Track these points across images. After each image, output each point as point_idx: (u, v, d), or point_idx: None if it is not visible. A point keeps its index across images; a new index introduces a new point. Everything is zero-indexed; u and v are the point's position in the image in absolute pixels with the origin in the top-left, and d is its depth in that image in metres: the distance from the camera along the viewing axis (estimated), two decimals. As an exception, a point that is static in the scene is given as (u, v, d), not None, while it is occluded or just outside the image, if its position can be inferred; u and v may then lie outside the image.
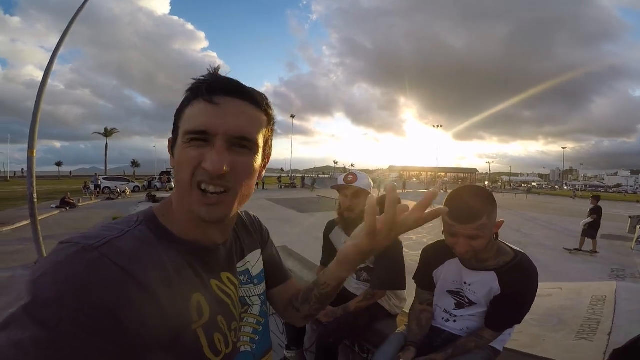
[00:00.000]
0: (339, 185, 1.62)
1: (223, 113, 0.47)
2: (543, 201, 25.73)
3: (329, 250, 1.83)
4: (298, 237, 7.50)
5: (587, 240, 7.36)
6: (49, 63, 6.77)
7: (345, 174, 1.64)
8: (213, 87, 0.47)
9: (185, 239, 0.51)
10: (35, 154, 6.21)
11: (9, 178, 49.59)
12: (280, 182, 32.45)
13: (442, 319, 1.28)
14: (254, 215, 0.77)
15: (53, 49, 6.71)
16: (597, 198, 7.96)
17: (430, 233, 8.94)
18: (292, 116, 48.45)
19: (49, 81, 6.57)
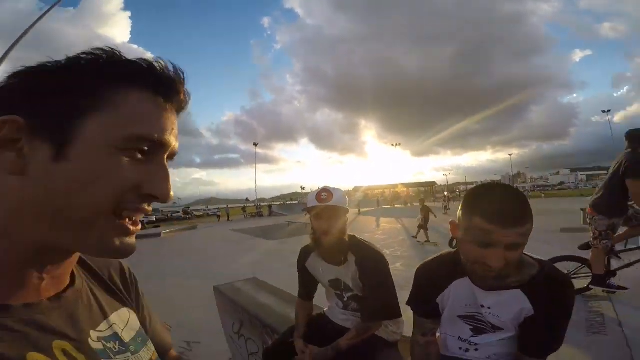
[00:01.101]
0: (313, 207, 1.36)
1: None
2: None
3: (306, 281, 1.58)
4: (268, 266, 6.89)
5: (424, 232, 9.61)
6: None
7: (318, 191, 1.39)
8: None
9: None
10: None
11: None
12: (245, 212, 31.32)
13: (460, 348, 1.07)
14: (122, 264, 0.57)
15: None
16: (422, 200, 10.95)
17: (403, 246, 8.85)
18: (255, 144, 48.13)
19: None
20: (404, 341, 1.53)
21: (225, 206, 31.90)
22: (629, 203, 2.79)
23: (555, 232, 8.69)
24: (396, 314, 1.34)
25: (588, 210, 3.05)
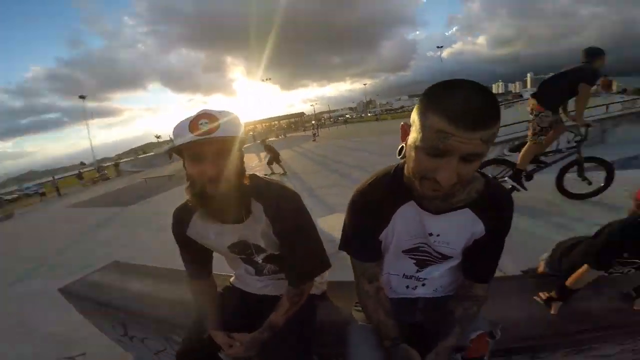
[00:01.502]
0: (186, 145, 0.84)
1: None
2: (360, 127, 31.10)
3: (194, 255, 1.12)
4: (131, 241, 5.51)
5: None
6: None
7: (191, 118, 0.85)
8: None
9: None
10: None
11: None
12: (82, 179, 24.49)
13: (407, 287, 1.00)
14: None
15: None
16: (264, 141, 11.46)
17: (290, 178, 8.68)
18: (82, 97, 36.43)
19: None
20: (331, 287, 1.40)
21: (52, 178, 23.62)
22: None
23: None
24: (327, 263, 1.09)
25: (536, 107, 3.12)
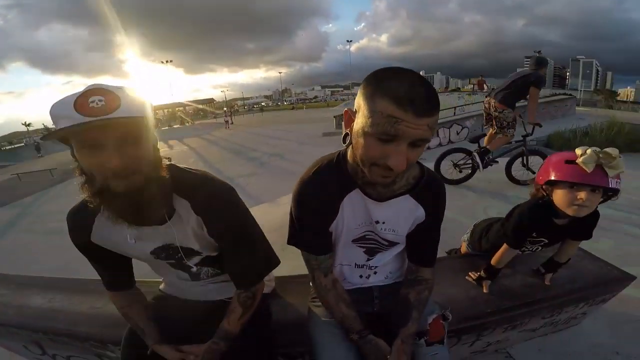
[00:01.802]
0: (79, 129, 0.61)
1: None
2: (277, 115, 30.74)
3: (106, 263, 0.91)
4: (8, 249, 4.59)
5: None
6: None
7: (79, 95, 0.63)
8: None
9: None
10: None
11: None
12: None
13: (360, 276, 1.00)
14: None
15: None
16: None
17: (209, 168, 8.22)
18: None
19: None
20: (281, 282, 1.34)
21: None
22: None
23: (319, 137, 11.75)
24: (276, 260, 0.98)
25: (498, 106, 3.55)
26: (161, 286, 1.12)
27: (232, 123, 22.90)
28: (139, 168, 0.68)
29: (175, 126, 27.49)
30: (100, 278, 0.94)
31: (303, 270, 0.97)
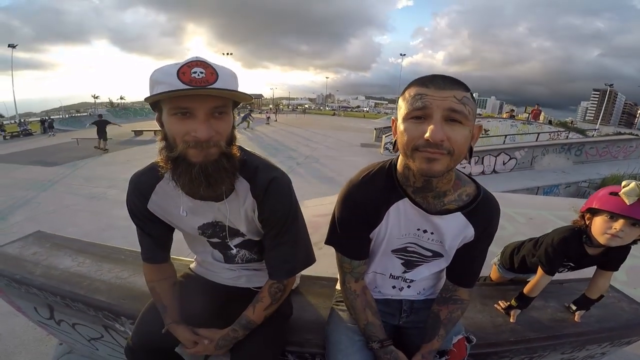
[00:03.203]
0: (176, 95, 0.66)
1: None
2: (317, 119, 31.37)
3: (153, 233, 0.93)
4: (58, 208, 4.93)
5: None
6: None
7: (182, 64, 0.68)
8: None
9: None
10: None
11: None
12: (3, 130, 21.11)
13: (393, 287, 0.96)
14: None
15: None
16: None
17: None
18: (11, 45, 30.65)
19: None
20: (306, 281, 1.33)
21: None
22: None
23: (357, 146, 12.24)
24: (313, 258, 0.97)
25: None
26: (192, 265, 1.14)
27: (275, 120, 23.60)
28: (218, 142, 0.72)
29: None
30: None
31: (328, 273, 0.99)
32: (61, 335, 1.66)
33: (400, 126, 0.69)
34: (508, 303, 1.24)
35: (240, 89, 0.73)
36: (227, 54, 52.35)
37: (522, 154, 8.56)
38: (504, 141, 10.59)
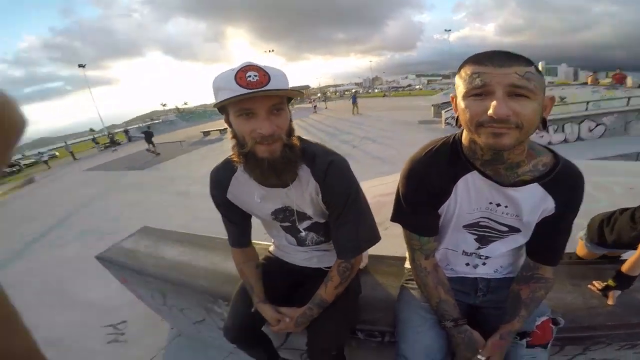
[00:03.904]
0: (239, 98, 0.73)
1: None
2: (368, 102, 30.81)
3: (234, 219, 1.04)
4: (153, 206, 5.67)
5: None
6: None
7: (238, 70, 0.76)
8: None
9: None
10: None
11: None
12: (97, 143, 25.00)
13: (467, 264, 0.92)
14: None
15: None
16: None
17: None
18: (81, 65, 35.28)
19: None
20: (375, 260, 1.32)
21: (64, 144, 24.10)
22: None
23: (415, 124, 11.63)
24: (378, 236, 0.98)
25: None
26: (271, 248, 1.23)
27: (326, 108, 23.66)
28: (280, 135, 0.80)
29: None
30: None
31: (396, 252, 0.98)
32: (172, 319, 1.90)
33: (461, 103, 0.67)
34: (605, 283, 1.09)
35: (290, 85, 0.80)
36: (270, 51, 53.68)
37: (612, 120, 7.60)
38: (587, 108, 9.19)
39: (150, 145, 13.46)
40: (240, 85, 0.73)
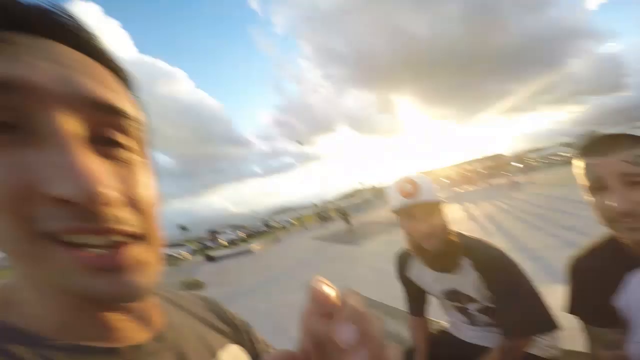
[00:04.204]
0: (399, 208, 1.06)
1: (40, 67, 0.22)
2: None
3: (413, 293, 1.33)
4: (360, 275, 6.51)
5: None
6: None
7: (398, 183, 1.07)
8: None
9: (48, 337, 0.25)
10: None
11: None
12: (321, 219, 30.49)
13: None
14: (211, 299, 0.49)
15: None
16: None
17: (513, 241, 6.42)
18: (299, 142, 46.06)
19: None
20: (568, 355, 1.20)
21: (299, 216, 33.44)
22: None
23: None
24: (550, 325, 0.98)
25: None
26: (445, 324, 1.38)
27: (530, 183, 19.24)
28: (435, 234, 1.02)
29: (469, 188, 25.56)
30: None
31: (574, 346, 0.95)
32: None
33: (593, 203, 0.66)
34: None
35: (436, 196, 1.02)
36: (440, 117, 48.80)
37: None
38: None
39: (348, 223, 15.97)
40: (401, 195, 1.01)
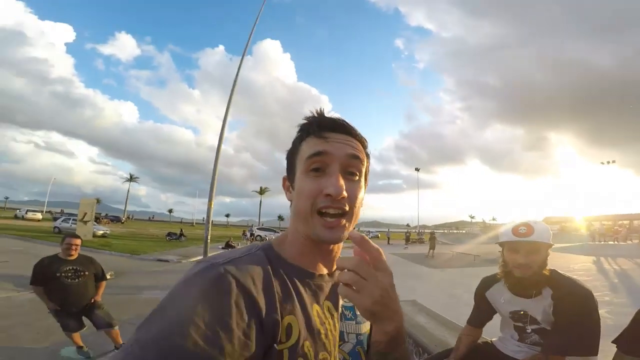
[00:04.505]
0: (507, 241, 1.32)
1: (334, 144, 0.53)
2: None
3: (482, 309, 1.56)
4: (426, 292, 6.91)
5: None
6: (221, 130, 8.83)
7: (516, 225, 1.32)
8: (322, 125, 0.54)
9: (294, 264, 0.54)
10: (212, 206, 8.21)
11: (194, 224, 69.38)
12: (408, 240, 30.53)
13: None
14: None
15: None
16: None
17: (614, 290, 6.22)
18: (417, 169, 46.90)
19: (223, 146, 8.95)
20: None
21: (387, 230, 33.15)
22: None
23: None
24: (590, 350, 1.16)
25: None
26: (493, 338, 1.60)
27: None
28: (531, 266, 1.26)
29: (610, 242, 21.41)
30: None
31: None
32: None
33: None
34: None
35: (547, 240, 1.25)
36: (609, 162, 38.96)
37: None
38: None
39: (430, 251, 16.03)
40: (513, 234, 1.27)
